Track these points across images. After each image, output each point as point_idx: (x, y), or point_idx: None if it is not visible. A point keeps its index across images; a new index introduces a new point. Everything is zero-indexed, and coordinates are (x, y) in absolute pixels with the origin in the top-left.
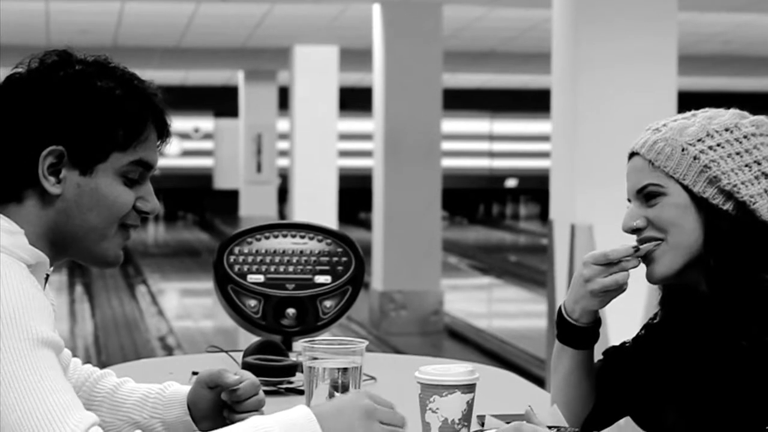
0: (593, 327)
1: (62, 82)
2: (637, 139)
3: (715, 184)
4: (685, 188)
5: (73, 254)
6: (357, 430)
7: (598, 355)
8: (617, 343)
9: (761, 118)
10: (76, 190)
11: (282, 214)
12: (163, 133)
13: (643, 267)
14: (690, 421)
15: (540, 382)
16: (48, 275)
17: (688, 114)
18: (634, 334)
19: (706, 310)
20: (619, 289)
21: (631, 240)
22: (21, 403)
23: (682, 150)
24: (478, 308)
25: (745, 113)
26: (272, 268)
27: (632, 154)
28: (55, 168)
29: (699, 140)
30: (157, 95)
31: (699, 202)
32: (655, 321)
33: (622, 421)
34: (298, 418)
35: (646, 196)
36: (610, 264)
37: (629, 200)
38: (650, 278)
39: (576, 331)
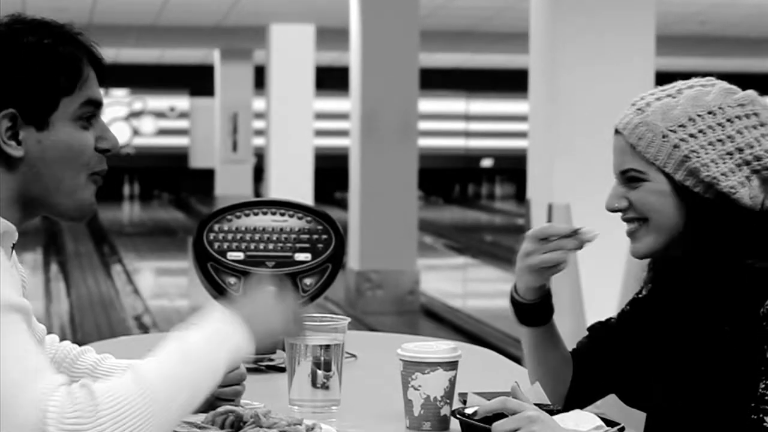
0: (541, 303)
1: None
2: (622, 114)
3: (696, 175)
4: (666, 175)
5: (48, 211)
6: (271, 307)
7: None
8: (602, 319)
9: (749, 93)
10: (38, 147)
11: (258, 193)
12: (100, 67)
13: (624, 244)
14: (676, 398)
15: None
16: (14, 244)
17: (673, 89)
18: (617, 310)
19: (691, 287)
20: (556, 266)
21: (613, 219)
22: None
23: (663, 137)
24: (454, 288)
25: (734, 88)
26: (252, 246)
27: (616, 132)
28: (13, 131)
29: (681, 126)
30: (82, 34)
31: (680, 190)
32: (640, 296)
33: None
34: (218, 315)
35: (629, 179)
36: (547, 240)
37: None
38: (634, 255)
39: (525, 309)
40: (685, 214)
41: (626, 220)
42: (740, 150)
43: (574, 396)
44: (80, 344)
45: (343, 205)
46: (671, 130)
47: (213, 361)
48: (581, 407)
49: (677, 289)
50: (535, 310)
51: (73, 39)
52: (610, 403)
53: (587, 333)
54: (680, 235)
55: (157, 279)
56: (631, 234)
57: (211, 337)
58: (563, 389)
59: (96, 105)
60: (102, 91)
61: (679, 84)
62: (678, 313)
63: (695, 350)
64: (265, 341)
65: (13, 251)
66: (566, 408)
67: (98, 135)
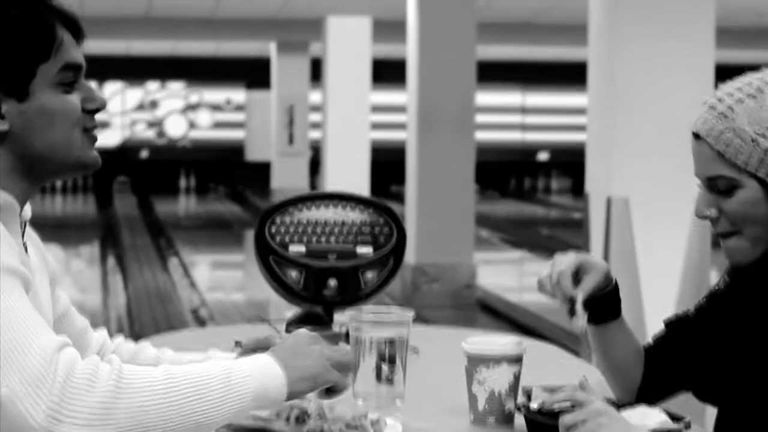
0: (603, 300)
1: None
2: (699, 118)
3: None
4: (759, 180)
5: (53, 174)
6: (307, 351)
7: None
8: (680, 313)
9: None
10: (22, 118)
11: (314, 186)
12: (75, 29)
13: (682, 239)
14: (750, 394)
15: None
16: (25, 223)
17: (750, 87)
18: (676, 305)
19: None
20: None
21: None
22: None
23: (753, 141)
24: (511, 282)
25: None
26: (314, 239)
27: (696, 137)
28: None
29: None
30: None
31: None
32: (717, 289)
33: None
34: (260, 357)
35: (718, 186)
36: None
37: (699, 183)
38: (730, 260)
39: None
40: None
41: (718, 234)
42: None
43: (648, 390)
44: (137, 337)
45: (399, 198)
46: (760, 134)
47: (230, 394)
48: (655, 402)
49: (760, 285)
50: (596, 307)
51: (43, 4)
52: (676, 402)
53: (664, 327)
54: None
55: (214, 272)
56: (724, 239)
57: (234, 370)
58: (632, 384)
59: (76, 68)
60: (80, 51)
61: (755, 80)
62: (759, 309)
63: None
64: (303, 386)
65: (24, 231)
66: (639, 402)
67: (84, 96)
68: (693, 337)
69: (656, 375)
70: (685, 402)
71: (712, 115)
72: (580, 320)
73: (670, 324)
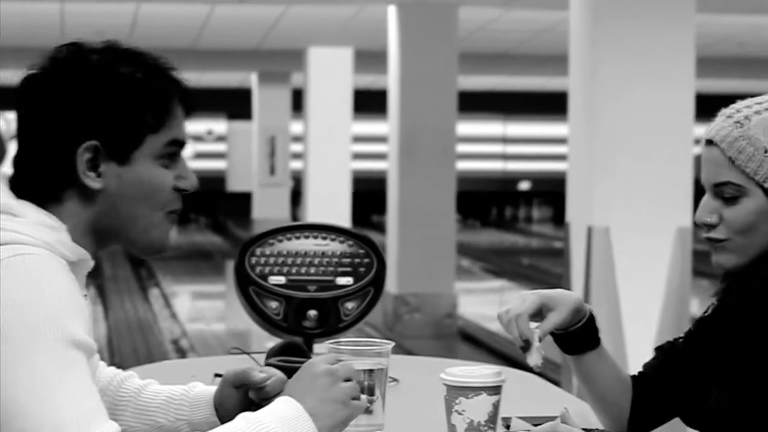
0: (579, 332)
1: (83, 74)
2: (715, 126)
3: None
4: (765, 191)
5: (121, 243)
6: (334, 396)
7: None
8: (671, 339)
9: None
10: (118, 182)
11: (295, 216)
12: (189, 105)
13: (663, 266)
14: (734, 402)
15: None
16: (89, 271)
17: None
18: (657, 334)
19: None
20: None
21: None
22: (50, 405)
23: (765, 152)
24: (492, 311)
25: None
26: (294, 270)
27: (709, 142)
28: (93, 163)
29: None
30: (174, 68)
31: None
32: (707, 314)
33: None
34: (285, 409)
35: (724, 192)
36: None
37: (704, 190)
38: (717, 266)
39: (561, 338)
40: None
41: (708, 239)
42: None
43: (638, 419)
44: (118, 368)
45: (380, 228)
46: None
47: None
48: (647, 431)
49: (756, 305)
50: (571, 338)
51: (165, 73)
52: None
53: (654, 354)
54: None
55: (195, 303)
56: (714, 246)
57: (282, 420)
58: (620, 413)
59: (180, 145)
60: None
61: None
62: (756, 329)
63: (760, 353)
64: None
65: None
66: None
67: (178, 174)
68: (682, 363)
69: (646, 403)
70: (672, 427)
71: (728, 123)
72: (534, 358)
73: (659, 350)
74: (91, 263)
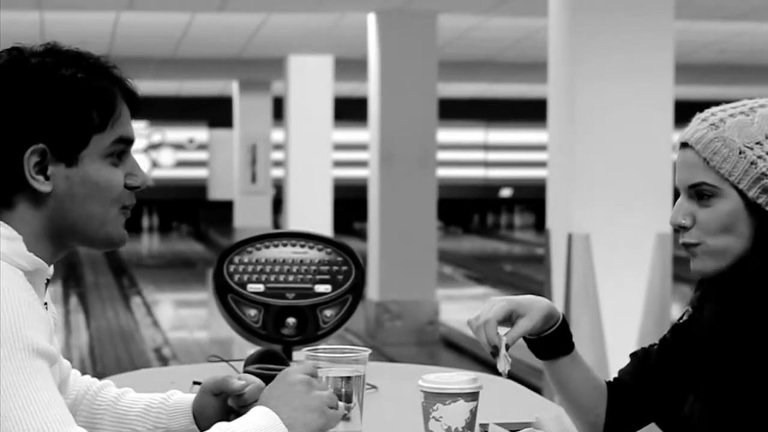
0: (552, 337)
1: (24, 78)
2: (690, 129)
3: None
4: (739, 192)
5: (78, 243)
6: (309, 404)
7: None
8: (646, 346)
9: None
10: (67, 183)
11: (277, 224)
12: (134, 103)
13: (644, 274)
14: (710, 408)
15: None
16: (48, 280)
17: (744, 107)
18: (638, 341)
19: (749, 308)
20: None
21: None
22: (16, 415)
23: (740, 153)
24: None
25: None
26: (272, 278)
27: (684, 145)
28: (41, 166)
29: (757, 143)
30: (116, 67)
31: (752, 207)
32: (681, 321)
33: None
34: (260, 419)
35: (698, 193)
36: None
37: (677, 192)
38: (695, 273)
39: (535, 344)
40: (754, 231)
41: (685, 243)
42: None
43: (614, 425)
44: (100, 377)
45: (362, 235)
46: (748, 147)
47: None
48: None
49: (731, 311)
50: (544, 344)
51: (108, 73)
52: None
53: (629, 360)
54: (746, 255)
55: (177, 311)
56: (690, 251)
57: (257, 430)
58: (595, 419)
59: (127, 142)
60: (134, 124)
61: (749, 102)
62: (732, 336)
63: (747, 374)
64: None
65: (47, 289)
66: None
67: (128, 172)
68: (657, 369)
69: (621, 409)
70: None
71: (703, 126)
72: (501, 365)
73: (634, 357)
74: (50, 271)
